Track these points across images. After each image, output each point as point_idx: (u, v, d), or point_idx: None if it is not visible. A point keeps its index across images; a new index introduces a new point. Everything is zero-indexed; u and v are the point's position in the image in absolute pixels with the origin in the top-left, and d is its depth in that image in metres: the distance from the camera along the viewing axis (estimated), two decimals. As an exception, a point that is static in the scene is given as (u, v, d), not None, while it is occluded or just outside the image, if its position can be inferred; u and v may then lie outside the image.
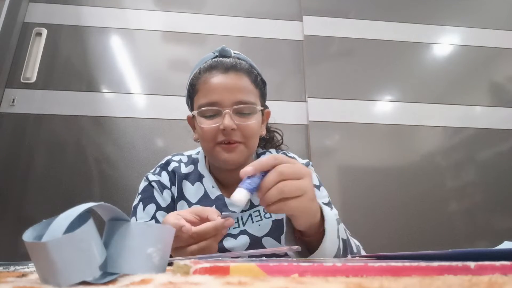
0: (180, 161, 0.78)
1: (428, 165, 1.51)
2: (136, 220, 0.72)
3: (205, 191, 0.73)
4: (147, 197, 0.73)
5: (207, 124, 0.67)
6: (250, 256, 0.52)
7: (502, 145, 1.58)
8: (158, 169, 0.77)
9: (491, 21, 1.79)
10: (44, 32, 1.50)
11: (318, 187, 0.77)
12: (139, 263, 0.25)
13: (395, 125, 1.55)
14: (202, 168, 0.77)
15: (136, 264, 0.25)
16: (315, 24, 1.67)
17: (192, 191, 0.73)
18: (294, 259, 0.69)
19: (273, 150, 0.84)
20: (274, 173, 0.47)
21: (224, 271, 0.23)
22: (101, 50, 1.53)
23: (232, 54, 0.74)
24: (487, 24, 1.78)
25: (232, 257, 0.53)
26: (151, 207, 0.71)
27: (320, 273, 0.23)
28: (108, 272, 0.24)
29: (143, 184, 0.76)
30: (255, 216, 0.71)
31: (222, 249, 0.68)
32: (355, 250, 0.64)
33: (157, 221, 0.70)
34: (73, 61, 1.50)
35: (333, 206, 0.78)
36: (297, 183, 0.48)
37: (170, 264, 0.28)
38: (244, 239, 0.69)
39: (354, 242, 0.67)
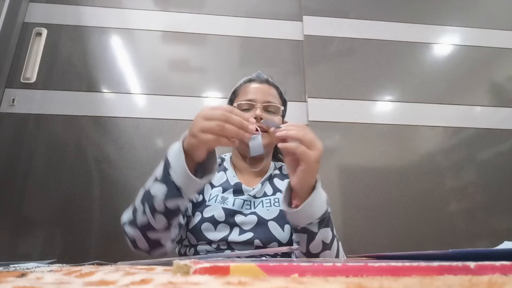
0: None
1: (428, 165, 1.51)
2: None
3: (227, 178, 0.89)
4: None
5: None
6: (249, 256, 0.52)
7: (502, 145, 1.58)
8: None
9: (491, 21, 1.79)
10: (44, 32, 1.50)
11: None
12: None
13: (395, 125, 1.55)
14: (227, 164, 0.94)
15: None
16: (315, 24, 1.67)
17: (216, 177, 0.89)
18: (294, 259, 0.69)
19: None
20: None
21: (224, 271, 0.23)
22: (101, 50, 1.53)
23: (265, 77, 0.98)
24: (487, 24, 1.78)
25: (231, 257, 0.53)
26: None
27: (320, 273, 0.23)
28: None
29: None
30: (265, 203, 0.83)
31: (233, 223, 0.77)
32: (335, 234, 0.71)
33: None
34: (73, 61, 1.50)
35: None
36: (314, 143, 0.62)
37: (170, 264, 0.28)
38: (252, 218, 0.79)
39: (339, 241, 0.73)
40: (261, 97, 0.88)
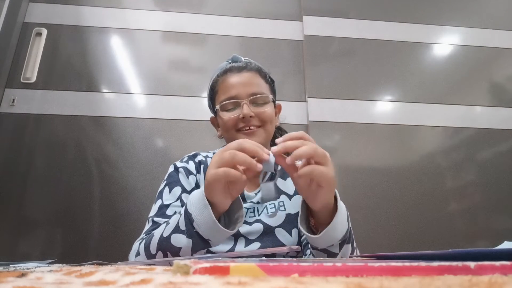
0: (206, 156, 0.86)
1: (428, 165, 1.51)
2: (162, 201, 0.75)
3: None
4: (173, 181, 0.79)
5: (228, 116, 0.78)
6: (250, 256, 0.52)
7: (502, 145, 1.58)
8: (186, 158, 0.85)
9: (491, 21, 1.79)
10: (44, 32, 1.50)
11: None
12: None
13: (395, 125, 1.55)
14: None
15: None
16: (315, 24, 1.67)
17: None
18: (294, 259, 0.69)
19: None
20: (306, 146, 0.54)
21: (224, 271, 0.23)
22: (101, 50, 1.53)
23: (243, 59, 0.86)
24: (487, 24, 1.78)
25: (232, 257, 0.53)
26: (177, 190, 0.77)
27: (320, 273, 0.23)
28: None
29: (169, 170, 0.82)
30: (270, 208, 0.77)
31: (238, 234, 0.72)
32: (355, 245, 0.68)
33: (182, 202, 0.75)
34: (73, 61, 1.50)
35: None
36: (326, 157, 0.56)
37: (170, 264, 0.28)
38: (258, 227, 0.73)
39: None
40: (245, 91, 0.77)
